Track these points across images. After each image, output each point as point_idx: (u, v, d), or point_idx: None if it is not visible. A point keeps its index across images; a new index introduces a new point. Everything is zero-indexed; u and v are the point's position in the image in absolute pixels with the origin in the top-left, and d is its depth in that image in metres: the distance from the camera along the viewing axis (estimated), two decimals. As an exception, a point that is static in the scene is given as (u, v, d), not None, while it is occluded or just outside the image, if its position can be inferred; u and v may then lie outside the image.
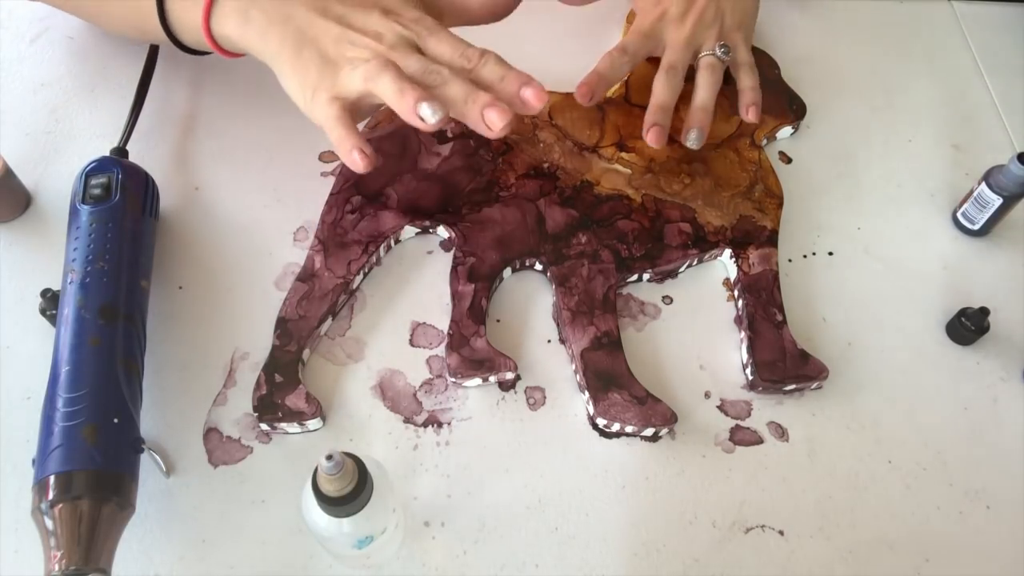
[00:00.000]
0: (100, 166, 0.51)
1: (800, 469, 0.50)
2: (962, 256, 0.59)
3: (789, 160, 0.63)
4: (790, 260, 0.58)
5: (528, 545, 0.46)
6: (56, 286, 0.48)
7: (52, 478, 0.40)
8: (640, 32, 0.59)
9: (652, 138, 0.56)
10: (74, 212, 0.50)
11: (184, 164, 0.59)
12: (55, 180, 0.57)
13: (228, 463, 0.47)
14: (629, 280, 0.55)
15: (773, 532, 0.48)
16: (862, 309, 0.56)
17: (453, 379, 0.50)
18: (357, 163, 0.44)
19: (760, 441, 0.51)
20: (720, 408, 0.52)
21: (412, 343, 0.52)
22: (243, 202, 0.57)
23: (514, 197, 0.57)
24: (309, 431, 0.49)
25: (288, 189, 0.58)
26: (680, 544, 0.47)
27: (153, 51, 0.60)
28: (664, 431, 0.50)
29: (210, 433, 0.48)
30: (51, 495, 0.40)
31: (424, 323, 0.53)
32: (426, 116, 0.43)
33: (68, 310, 0.45)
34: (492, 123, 0.44)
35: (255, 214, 0.57)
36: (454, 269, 0.54)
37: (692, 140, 0.56)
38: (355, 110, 0.46)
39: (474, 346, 0.51)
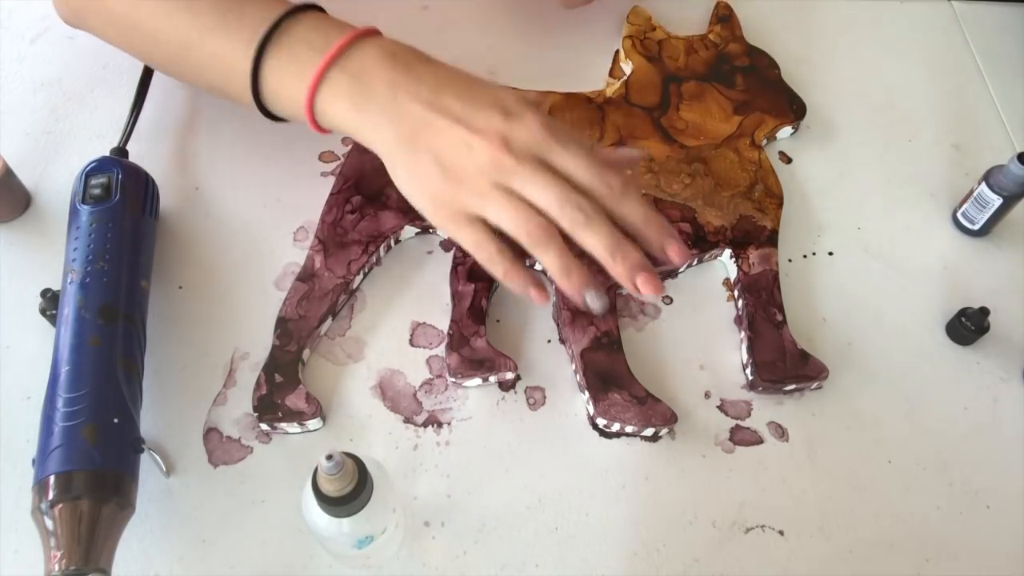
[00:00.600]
0: (100, 166, 0.51)
1: (800, 469, 0.50)
2: (962, 256, 0.59)
3: (789, 160, 0.63)
4: (790, 260, 0.58)
5: (528, 545, 0.46)
6: (56, 286, 0.48)
7: (52, 478, 0.40)
8: None
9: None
10: (74, 212, 0.50)
11: (184, 164, 0.59)
12: (55, 180, 0.57)
13: (228, 463, 0.47)
14: (629, 280, 0.55)
15: (773, 532, 0.48)
16: (862, 309, 0.56)
17: (453, 379, 0.50)
18: (533, 299, 0.42)
19: (760, 441, 0.51)
20: (720, 408, 0.52)
21: (412, 343, 0.52)
22: (243, 202, 0.57)
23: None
24: (309, 431, 0.49)
25: (288, 189, 0.58)
26: (680, 544, 0.47)
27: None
28: (664, 431, 0.50)
29: (210, 433, 0.48)
30: (51, 495, 0.40)
31: (424, 323, 0.53)
32: (593, 306, 0.41)
33: (68, 310, 0.45)
34: (640, 289, 0.41)
35: (255, 214, 0.57)
36: (454, 269, 0.54)
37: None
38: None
39: (474, 346, 0.51)
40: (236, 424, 0.49)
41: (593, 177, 0.42)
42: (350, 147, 0.59)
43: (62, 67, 0.63)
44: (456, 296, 0.53)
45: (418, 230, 0.56)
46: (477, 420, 0.50)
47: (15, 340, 0.51)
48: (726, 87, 0.63)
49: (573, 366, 0.52)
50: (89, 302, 0.46)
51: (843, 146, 0.64)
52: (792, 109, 0.63)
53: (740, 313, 0.55)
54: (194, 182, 0.58)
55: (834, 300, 0.56)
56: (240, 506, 0.46)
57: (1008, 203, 0.56)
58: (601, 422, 0.50)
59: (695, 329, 0.54)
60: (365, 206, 0.55)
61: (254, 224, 0.56)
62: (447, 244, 0.56)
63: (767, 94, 0.64)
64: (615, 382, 0.50)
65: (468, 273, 0.53)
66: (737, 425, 0.51)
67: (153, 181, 0.54)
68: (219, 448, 0.48)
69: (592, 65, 0.66)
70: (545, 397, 0.51)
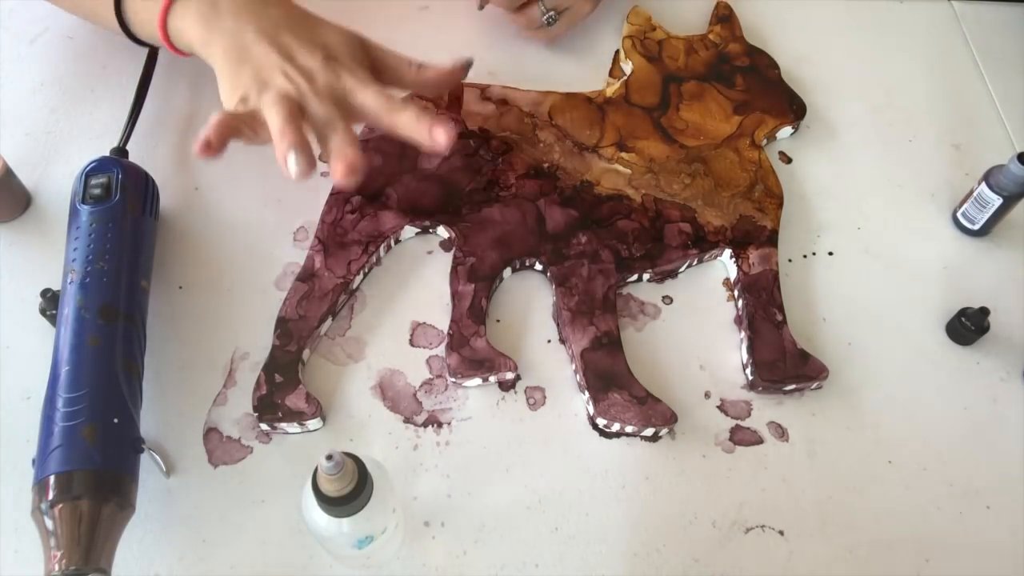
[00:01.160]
0: (100, 166, 0.51)
1: (800, 469, 0.50)
2: (962, 256, 0.59)
3: (789, 160, 0.63)
4: (790, 260, 0.58)
5: (528, 545, 0.46)
6: (56, 286, 0.48)
7: (52, 478, 0.40)
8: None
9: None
10: (74, 212, 0.50)
11: (184, 164, 0.59)
12: (55, 180, 0.57)
13: (228, 463, 0.47)
14: (629, 280, 0.55)
15: (773, 532, 0.48)
16: (862, 309, 0.56)
17: (453, 379, 0.50)
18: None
19: (760, 441, 0.51)
20: (720, 408, 0.52)
21: (412, 343, 0.52)
22: (243, 202, 0.57)
23: (514, 197, 0.57)
24: (309, 431, 0.49)
25: (288, 189, 0.58)
26: (680, 544, 0.47)
27: (153, 51, 0.60)
28: (664, 431, 0.50)
29: (210, 433, 0.48)
30: (51, 495, 0.40)
31: (424, 323, 0.53)
32: (290, 164, 0.45)
33: (68, 310, 0.45)
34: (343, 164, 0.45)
35: (255, 214, 0.57)
36: (454, 269, 0.54)
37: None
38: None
39: (474, 346, 0.51)
40: (236, 424, 0.49)
41: (379, 102, 0.48)
42: (350, 147, 0.59)
43: (62, 67, 0.63)
44: (456, 296, 0.53)
45: (418, 230, 0.56)
46: (477, 420, 0.50)
47: (15, 340, 0.51)
48: (726, 87, 0.63)
49: (573, 366, 0.52)
50: (89, 302, 0.46)
51: (843, 146, 0.64)
52: (792, 109, 0.63)
53: (740, 313, 0.55)
54: (194, 182, 0.58)
55: (834, 300, 0.56)
56: (240, 506, 0.46)
57: (1008, 203, 0.56)
58: (601, 422, 0.50)
59: (695, 329, 0.54)
60: (365, 206, 0.55)
61: (254, 224, 0.56)
62: (447, 244, 0.56)
63: (767, 94, 0.64)
64: (615, 382, 0.50)
65: (468, 273, 0.53)
66: (737, 425, 0.51)
67: (153, 181, 0.54)
68: (219, 448, 0.48)
69: (592, 65, 0.66)
70: (545, 397, 0.51)
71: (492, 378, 0.51)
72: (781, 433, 0.51)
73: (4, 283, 0.53)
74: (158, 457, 0.46)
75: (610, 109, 0.62)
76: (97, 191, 0.49)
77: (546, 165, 0.58)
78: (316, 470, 0.36)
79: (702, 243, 0.56)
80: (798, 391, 0.52)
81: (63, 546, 0.39)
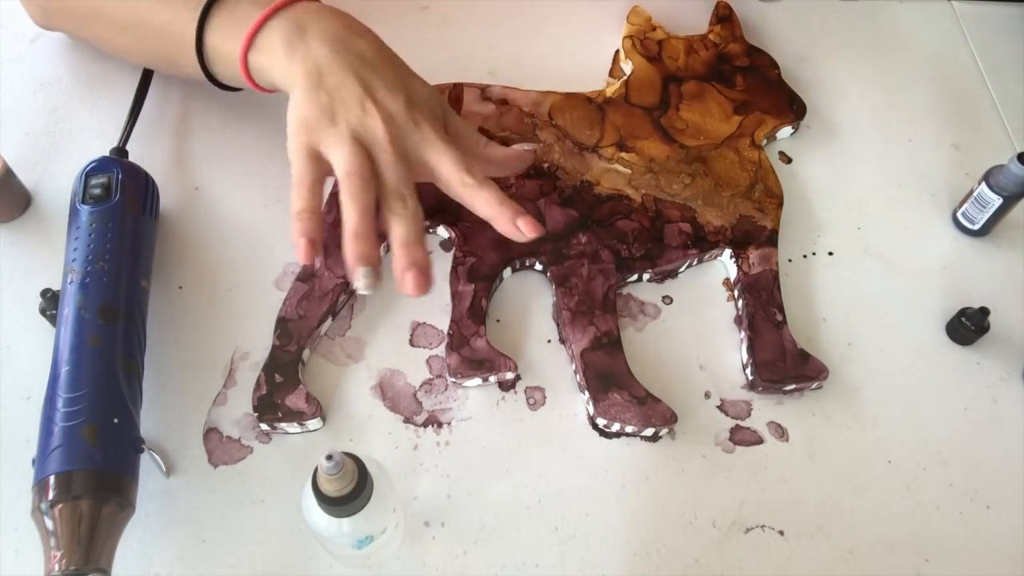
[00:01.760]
0: (100, 166, 0.51)
1: (800, 469, 0.50)
2: (962, 256, 0.59)
3: (789, 160, 0.63)
4: (790, 260, 0.58)
5: (528, 545, 0.46)
6: (56, 286, 0.48)
7: (52, 478, 0.40)
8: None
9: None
10: (74, 212, 0.50)
11: (184, 164, 0.59)
12: (55, 180, 0.57)
13: (228, 463, 0.47)
14: (629, 280, 0.55)
15: (773, 532, 0.48)
16: (862, 309, 0.56)
17: (453, 379, 0.50)
18: (300, 250, 0.43)
19: (760, 441, 0.51)
20: (720, 408, 0.52)
21: (412, 343, 0.52)
22: (243, 202, 0.57)
23: (514, 197, 0.56)
24: (309, 431, 0.49)
25: (288, 189, 0.57)
26: (680, 544, 0.47)
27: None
28: (664, 431, 0.50)
29: (210, 433, 0.48)
30: (51, 495, 0.40)
31: (424, 323, 0.53)
32: (357, 285, 0.43)
33: (68, 310, 0.45)
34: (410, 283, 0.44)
35: (255, 214, 0.57)
36: (454, 269, 0.54)
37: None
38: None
39: (474, 346, 0.51)
40: (236, 424, 0.49)
41: (454, 170, 0.46)
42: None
43: (62, 67, 0.63)
44: (456, 296, 0.53)
45: (418, 230, 0.56)
46: (477, 420, 0.50)
47: (15, 340, 0.51)
48: (726, 87, 0.63)
49: (573, 366, 0.52)
50: (89, 302, 0.46)
51: (843, 146, 0.64)
52: (792, 109, 0.63)
53: (740, 313, 0.55)
54: (194, 182, 0.58)
55: (834, 300, 0.56)
56: (240, 506, 0.46)
57: (1008, 203, 0.56)
58: (601, 422, 0.50)
59: (695, 329, 0.54)
60: (365, 206, 0.55)
61: (254, 224, 0.56)
62: (447, 244, 0.56)
63: (767, 94, 0.64)
64: (615, 382, 0.50)
65: (468, 273, 0.53)
66: (737, 425, 0.51)
67: (153, 181, 0.54)
68: (219, 448, 0.48)
69: (592, 65, 0.66)
70: (545, 397, 0.51)
71: (492, 378, 0.51)
72: (781, 433, 0.51)
73: (4, 283, 0.53)
74: (158, 457, 0.46)
75: (610, 109, 0.62)
76: (97, 191, 0.49)
77: (546, 165, 0.58)
78: (316, 470, 0.36)
79: (702, 243, 0.56)
80: (798, 391, 0.52)
81: (63, 546, 0.39)
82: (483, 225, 0.55)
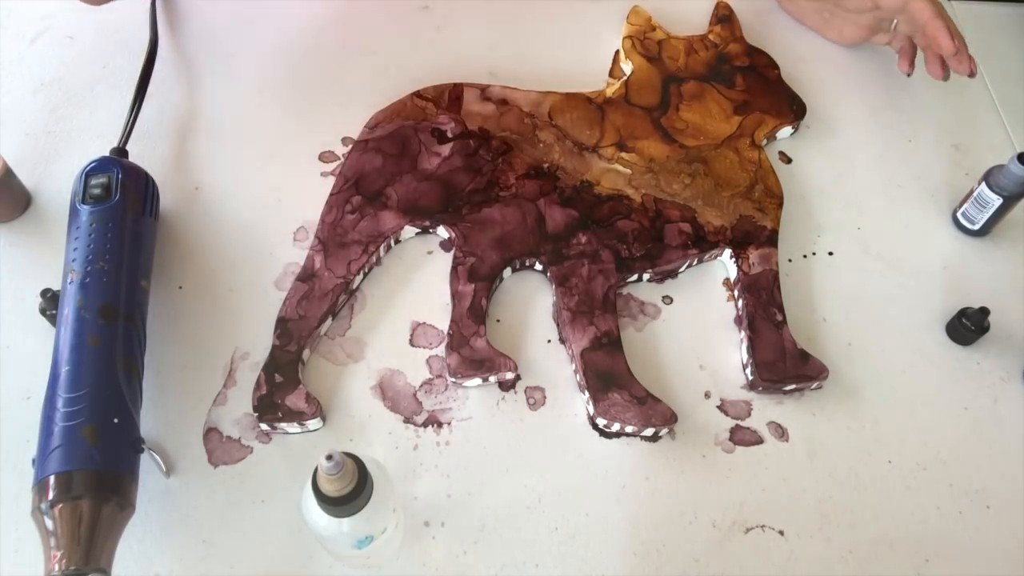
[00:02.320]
0: (100, 166, 0.51)
1: (800, 469, 0.50)
2: (962, 256, 0.59)
3: (789, 160, 0.63)
4: (790, 260, 0.58)
5: (528, 545, 0.46)
6: (56, 286, 0.48)
7: (52, 478, 0.40)
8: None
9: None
10: (74, 212, 0.50)
11: (184, 164, 0.59)
12: (55, 180, 0.57)
13: (228, 463, 0.47)
14: (629, 280, 0.55)
15: (773, 532, 0.48)
16: (862, 309, 0.56)
17: (453, 379, 0.50)
18: None
19: (760, 441, 0.51)
20: (720, 408, 0.52)
21: (412, 343, 0.52)
22: (243, 202, 0.57)
23: (514, 197, 0.57)
24: (309, 431, 0.49)
25: (288, 189, 0.58)
26: (680, 544, 0.47)
27: (152, 50, 0.60)
28: (664, 431, 0.50)
29: (210, 433, 0.48)
30: (51, 495, 0.40)
31: (424, 323, 0.53)
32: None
33: (68, 310, 0.45)
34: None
35: (255, 214, 0.57)
36: (454, 269, 0.54)
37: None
38: None
39: (474, 346, 0.51)
40: (236, 424, 0.49)
41: None
42: (350, 147, 0.59)
43: (62, 67, 0.63)
44: (456, 296, 0.53)
45: (418, 230, 0.56)
46: (477, 420, 0.50)
47: (15, 340, 0.51)
48: (726, 87, 0.63)
49: (573, 366, 0.52)
50: (89, 302, 0.46)
51: (843, 146, 0.64)
52: (792, 109, 0.63)
53: (740, 313, 0.55)
54: (194, 182, 0.58)
55: (834, 300, 0.56)
56: (240, 506, 0.46)
57: (1008, 203, 0.56)
58: (601, 422, 0.50)
59: (695, 329, 0.54)
60: (365, 206, 0.55)
61: (254, 224, 0.56)
62: (447, 244, 0.56)
63: (767, 94, 0.64)
64: (615, 382, 0.50)
65: (468, 273, 0.53)
66: (737, 425, 0.51)
67: (153, 181, 0.54)
68: (219, 448, 0.48)
69: (592, 65, 0.66)
70: (545, 397, 0.51)
71: (492, 378, 0.51)
72: (781, 433, 0.51)
73: (4, 283, 0.53)
74: (158, 457, 0.46)
75: (610, 109, 0.62)
76: (97, 191, 0.50)
77: (546, 165, 0.58)
78: (316, 470, 0.36)
79: (702, 243, 0.56)
80: (798, 391, 0.52)
81: (63, 546, 0.39)
82: (483, 225, 0.55)
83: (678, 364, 0.53)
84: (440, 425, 0.49)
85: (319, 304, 0.51)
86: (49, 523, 0.40)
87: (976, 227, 0.59)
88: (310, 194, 0.56)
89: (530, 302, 0.55)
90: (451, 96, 0.61)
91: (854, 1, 0.66)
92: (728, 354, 0.54)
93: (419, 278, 0.55)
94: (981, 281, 0.58)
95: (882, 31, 0.67)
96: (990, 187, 0.56)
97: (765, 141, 0.62)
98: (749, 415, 0.51)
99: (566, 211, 0.56)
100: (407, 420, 0.50)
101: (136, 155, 0.56)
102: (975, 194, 0.58)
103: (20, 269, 0.53)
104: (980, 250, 0.60)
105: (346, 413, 0.50)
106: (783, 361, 0.52)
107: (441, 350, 0.52)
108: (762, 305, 0.54)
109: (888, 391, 0.53)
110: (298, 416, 0.47)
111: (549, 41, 0.68)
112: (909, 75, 0.65)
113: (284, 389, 0.48)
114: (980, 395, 0.53)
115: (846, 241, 0.59)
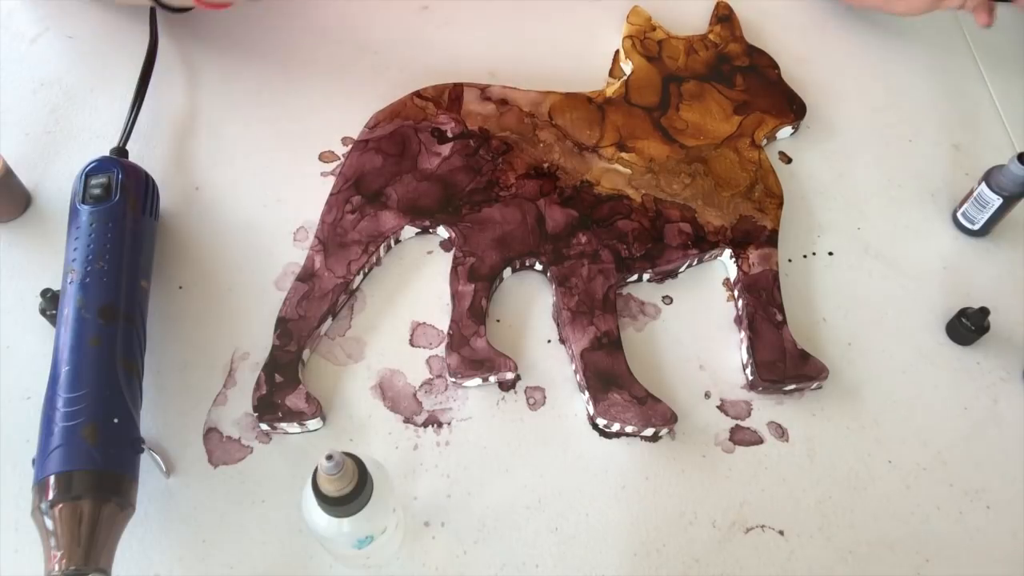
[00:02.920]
0: (100, 166, 0.51)
1: (800, 469, 0.50)
2: (962, 256, 0.59)
3: (789, 160, 0.63)
4: (790, 260, 0.58)
5: (528, 545, 0.46)
6: (56, 286, 0.48)
7: (52, 478, 0.40)
8: None
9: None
10: (74, 212, 0.50)
11: (184, 164, 0.59)
12: (55, 180, 0.57)
13: (228, 463, 0.47)
14: (629, 280, 0.55)
15: (773, 532, 0.48)
16: (862, 309, 0.56)
17: (453, 379, 0.50)
18: None
19: (760, 441, 0.51)
20: (720, 408, 0.52)
21: (412, 343, 0.52)
22: (243, 202, 0.57)
23: (514, 197, 0.57)
24: (309, 431, 0.49)
25: (288, 189, 0.58)
26: (680, 544, 0.47)
27: (152, 50, 0.60)
28: (664, 431, 0.50)
29: (210, 433, 0.48)
30: (51, 495, 0.40)
31: (424, 323, 0.53)
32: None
33: (68, 310, 0.45)
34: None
35: (255, 214, 0.57)
36: (454, 269, 0.54)
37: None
38: None
39: (474, 346, 0.51)
40: (236, 424, 0.49)
41: None
42: (350, 147, 0.59)
43: (62, 67, 0.63)
44: (456, 296, 0.53)
45: (418, 230, 0.56)
46: (477, 420, 0.50)
47: (15, 340, 0.51)
48: (726, 87, 0.63)
49: (573, 366, 0.52)
50: (89, 302, 0.46)
51: (843, 146, 0.64)
52: (792, 109, 0.63)
53: (740, 313, 0.55)
54: (194, 182, 0.58)
55: (834, 300, 0.56)
56: (240, 506, 0.46)
57: (1008, 203, 0.56)
58: (601, 422, 0.50)
59: (695, 329, 0.54)
60: (365, 206, 0.55)
61: (254, 224, 0.56)
62: (447, 244, 0.56)
63: (767, 94, 0.64)
64: (615, 382, 0.50)
65: (468, 273, 0.53)
66: (737, 425, 0.51)
67: (153, 181, 0.54)
68: (219, 448, 0.48)
69: (592, 65, 0.66)
70: (545, 397, 0.51)
71: (492, 378, 0.51)
72: (781, 433, 0.51)
73: (4, 283, 0.53)
74: (158, 457, 0.46)
75: (610, 109, 0.62)
76: (97, 191, 0.49)
77: (546, 165, 0.58)
78: (316, 470, 0.36)
79: (702, 243, 0.56)
80: (798, 391, 0.52)
81: (63, 546, 0.39)
82: (483, 225, 0.55)
83: (678, 364, 0.53)
84: (440, 425, 0.49)
85: (319, 304, 0.51)
86: (49, 523, 0.40)
87: (976, 227, 0.59)
88: (310, 194, 0.56)
89: (530, 302, 0.55)
90: (451, 96, 0.61)
91: None
92: (728, 354, 0.54)
93: (419, 278, 0.55)
94: (981, 281, 0.58)
95: None
96: (990, 187, 0.56)
97: (765, 141, 0.62)
98: (749, 415, 0.51)
99: (566, 211, 0.56)
100: (407, 420, 0.50)
101: (136, 155, 0.56)
102: (975, 194, 0.58)
103: (20, 269, 0.53)
104: (980, 250, 0.60)
105: (346, 413, 0.50)
106: (783, 361, 0.52)
107: (441, 350, 0.52)
108: (762, 305, 0.54)
109: (888, 391, 0.53)
110: (298, 416, 0.47)
111: (549, 41, 0.67)
112: (989, 27, 0.66)
113: (284, 389, 0.48)
114: (980, 395, 0.53)
115: (846, 241, 0.59)
